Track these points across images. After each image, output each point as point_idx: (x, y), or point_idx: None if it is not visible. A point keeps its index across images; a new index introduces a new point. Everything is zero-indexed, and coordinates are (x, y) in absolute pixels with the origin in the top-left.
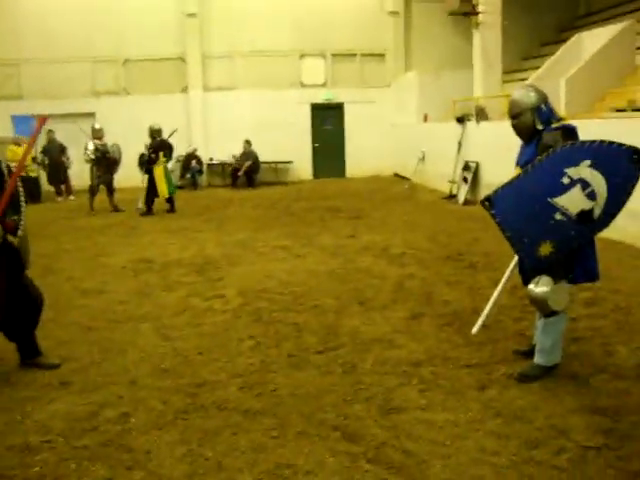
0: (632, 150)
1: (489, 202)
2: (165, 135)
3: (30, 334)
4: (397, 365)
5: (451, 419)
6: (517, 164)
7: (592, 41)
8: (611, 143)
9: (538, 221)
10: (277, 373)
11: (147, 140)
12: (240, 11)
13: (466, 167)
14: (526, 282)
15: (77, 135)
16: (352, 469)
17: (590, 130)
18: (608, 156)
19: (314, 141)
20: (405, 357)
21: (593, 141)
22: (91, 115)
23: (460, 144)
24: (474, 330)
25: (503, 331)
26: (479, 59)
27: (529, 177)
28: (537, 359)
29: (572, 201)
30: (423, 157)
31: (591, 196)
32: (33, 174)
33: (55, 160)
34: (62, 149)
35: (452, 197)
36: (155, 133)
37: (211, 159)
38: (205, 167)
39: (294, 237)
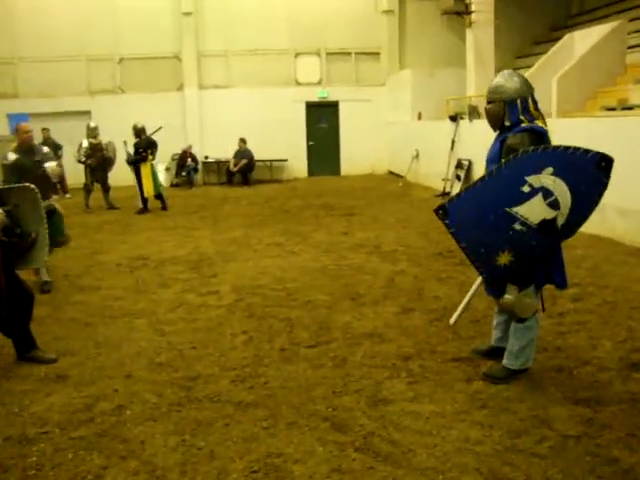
0: (599, 156)
1: (443, 211)
2: (148, 132)
3: (25, 328)
4: (386, 359)
5: (437, 410)
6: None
7: (584, 40)
8: (576, 149)
9: (496, 231)
10: (269, 367)
11: (133, 139)
12: (236, 9)
13: (459, 165)
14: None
15: (72, 133)
16: (340, 457)
17: (581, 129)
18: (573, 163)
19: (309, 139)
20: (395, 351)
21: (557, 147)
22: (87, 113)
23: (453, 142)
24: (451, 321)
25: (491, 325)
26: (472, 58)
27: (486, 185)
28: (504, 360)
29: (533, 211)
30: (417, 155)
31: (554, 205)
32: None
33: None
34: (57, 147)
35: (445, 195)
36: (140, 132)
37: (206, 157)
38: (201, 165)
39: (288, 234)
